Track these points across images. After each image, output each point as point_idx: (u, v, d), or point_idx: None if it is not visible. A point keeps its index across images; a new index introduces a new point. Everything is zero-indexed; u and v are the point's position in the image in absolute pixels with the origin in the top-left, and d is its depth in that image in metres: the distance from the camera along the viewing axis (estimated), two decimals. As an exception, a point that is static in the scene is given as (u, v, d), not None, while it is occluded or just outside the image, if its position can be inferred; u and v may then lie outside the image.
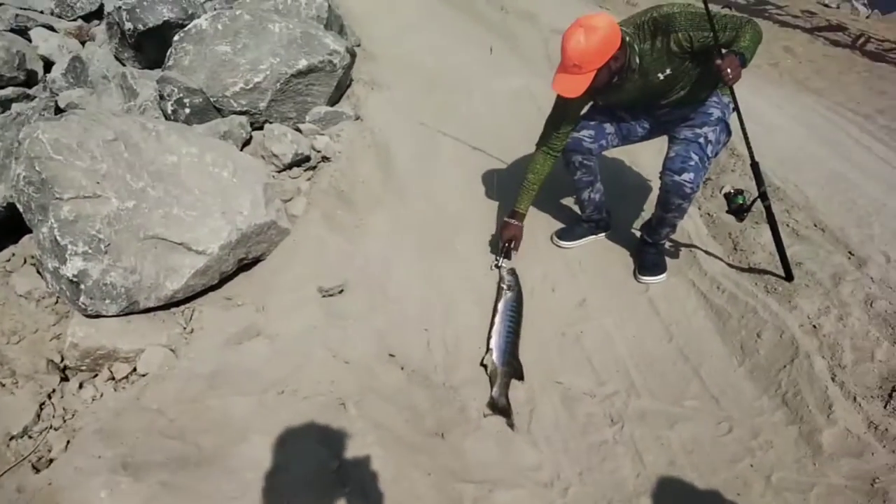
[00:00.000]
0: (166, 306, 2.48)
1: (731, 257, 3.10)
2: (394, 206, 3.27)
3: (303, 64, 3.50)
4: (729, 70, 2.28)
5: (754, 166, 2.70)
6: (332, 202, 3.10)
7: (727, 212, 2.88)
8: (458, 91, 4.63)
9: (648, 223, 2.99)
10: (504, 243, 2.92)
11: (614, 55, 2.30)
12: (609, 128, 2.82)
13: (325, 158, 3.37)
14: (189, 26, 3.47)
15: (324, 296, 2.62)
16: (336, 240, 2.89)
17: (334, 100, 3.97)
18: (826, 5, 9.71)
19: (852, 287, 2.80)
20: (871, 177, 3.83)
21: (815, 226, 3.24)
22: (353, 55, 3.91)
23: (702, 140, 2.59)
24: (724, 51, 2.34)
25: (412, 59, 5.07)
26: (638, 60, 2.43)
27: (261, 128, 3.52)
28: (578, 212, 3.22)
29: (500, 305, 2.70)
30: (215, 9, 4.02)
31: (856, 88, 5.43)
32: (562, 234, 3.22)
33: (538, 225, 3.30)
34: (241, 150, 3.37)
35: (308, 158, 3.33)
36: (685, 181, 2.58)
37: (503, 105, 4.49)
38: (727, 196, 2.85)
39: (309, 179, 3.28)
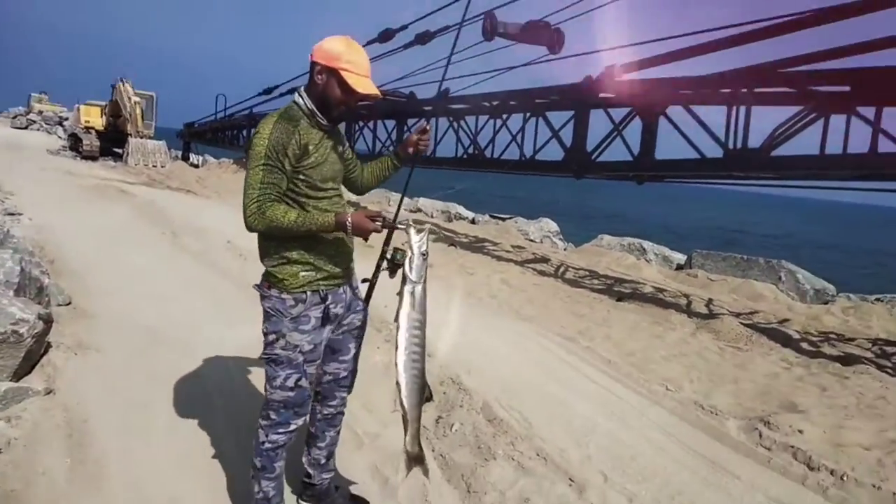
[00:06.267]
0: None
1: (466, 501, 3.05)
2: (84, 502, 2.71)
3: (-27, 339, 3.00)
4: (427, 137, 2.67)
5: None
6: (-9, 512, 2.47)
7: (385, 268, 2.69)
8: (182, 347, 4.33)
9: (317, 460, 2.77)
10: (377, 225, 2.38)
11: None
12: (309, 368, 2.70)
13: (-9, 452, 2.76)
14: None
15: None
16: (-15, 568, 2.25)
17: (22, 373, 3.42)
18: (531, 240, 11.63)
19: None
20: (582, 396, 4.26)
21: (538, 455, 3.40)
22: (47, 321, 3.48)
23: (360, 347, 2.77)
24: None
25: (132, 314, 4.73)
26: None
27: None
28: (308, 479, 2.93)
29: (403, 316, 2.32)
30: None
31: (560, 314, 6.30)
32: None
33: None
34: None
35: (-34, 456, 2.70)
36: (352, 384, 2.76)
37: (232, 360, 4.26)
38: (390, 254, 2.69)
39: (-36, 484, 2.62)
